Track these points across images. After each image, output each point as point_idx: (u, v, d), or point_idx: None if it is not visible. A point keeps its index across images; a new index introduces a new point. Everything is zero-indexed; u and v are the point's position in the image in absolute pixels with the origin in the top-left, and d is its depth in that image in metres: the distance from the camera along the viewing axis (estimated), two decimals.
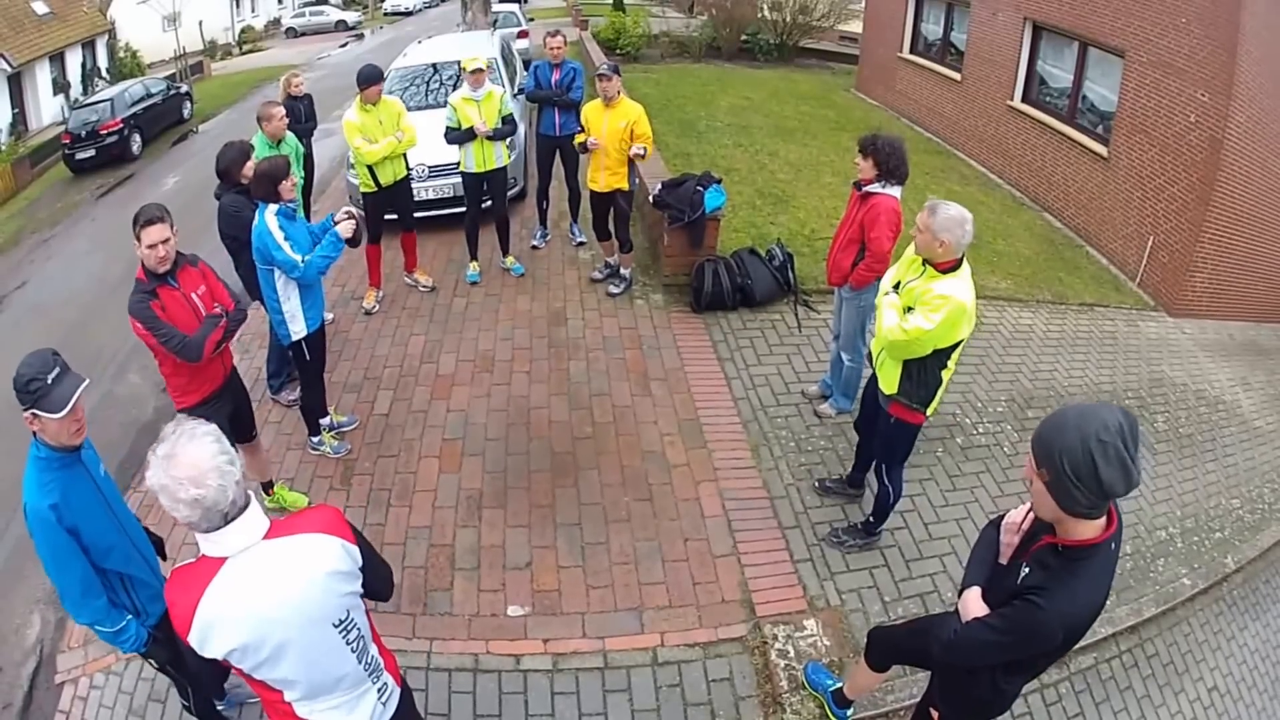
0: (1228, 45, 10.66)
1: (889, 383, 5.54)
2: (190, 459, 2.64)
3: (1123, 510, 3.19)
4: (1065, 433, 2.91)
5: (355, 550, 2.94)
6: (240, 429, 6.21)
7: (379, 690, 3.25)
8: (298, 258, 6.29)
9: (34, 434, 3.86)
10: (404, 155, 9.29)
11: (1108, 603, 3.33)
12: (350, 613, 2.99)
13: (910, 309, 5.20)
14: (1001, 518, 3.60)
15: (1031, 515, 3.37)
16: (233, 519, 2.72)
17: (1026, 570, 3.25)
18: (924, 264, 5.21)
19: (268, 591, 2.76)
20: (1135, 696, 6.03)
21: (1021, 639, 3.22)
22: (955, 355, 5.34)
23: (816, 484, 6.99)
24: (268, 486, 6.76)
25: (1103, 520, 3.08)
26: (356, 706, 3.19)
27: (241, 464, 2.78)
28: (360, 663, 3.11)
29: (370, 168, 9.04)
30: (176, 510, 2.63)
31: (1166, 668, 6.35)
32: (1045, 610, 3.09)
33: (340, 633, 2.97)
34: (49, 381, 3.74)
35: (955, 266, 5.11)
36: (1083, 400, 8.50)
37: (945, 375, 5.41)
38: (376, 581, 3.19)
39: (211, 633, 2.75)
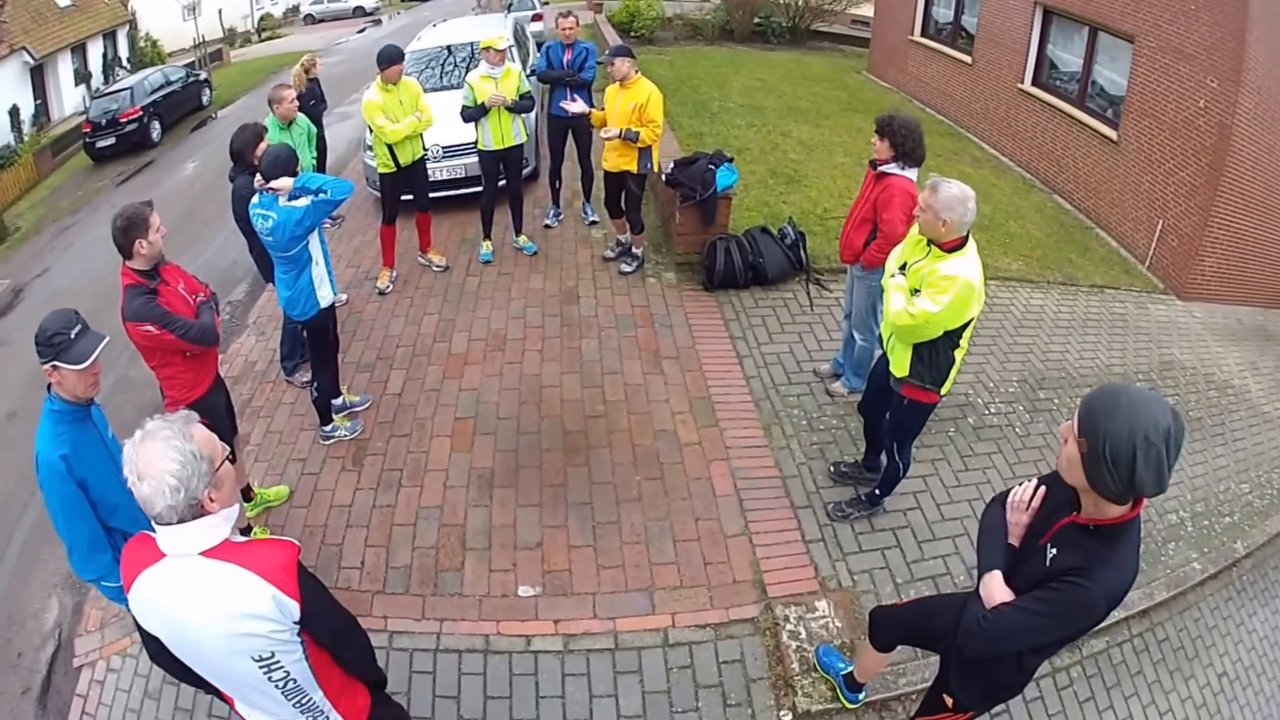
0: (1236, 31, 10.59)
1: (900, 365, 5.45)
2: (147, 454, 2.69)
3: None
4: (1116, 417, 2.84)
5: (291, 606, 2.85)
6: (230, 420, 6.27)
7: None
8: (325, 194, 6.28)
9: (49, 388, 4.01)
10: (421, 136, 9.30)
11: None
12: (276, 654, 2.92)
13: (917, 291, 5.10)
14: (1005, 494, 3.55)
15: (1043, 492, 3.34)
16: (165, 526, 2.74)
17: (1054, 551, 3.21)
18: (929, 244, 5.11)
19: (178, 605, 2.80)
20: (1146, 681, 6.00)
21: (1066, 619, 3.19)
22: (967, 335, 5.21)
23: (831, 469, 6.93)
24: (246, 492, 6.65)
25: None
26: None
27: (199, 489, 2.73)
28: (291, 702, 3.09)
29: (390, 148, 9.06)
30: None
31: (1177, 653, 6.31)
32: (1091, 589, 3.05)
33: (261, 669, 2.94)
34: (71, 336, 3.94)
35: (960, 245, 5.00)
36: (1095, 383, 8.47)
37: (958, 355, 5.31)
38: (332, 643, 3.14)
39: (140, 610, 2.87)
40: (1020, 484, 3.51)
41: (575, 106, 9.08)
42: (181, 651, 2.91)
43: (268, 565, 2.83)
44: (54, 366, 3.90)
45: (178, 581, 2.78)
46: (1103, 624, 5.88)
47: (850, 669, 5.16)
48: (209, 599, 2.77)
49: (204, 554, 2.77)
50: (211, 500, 2.77)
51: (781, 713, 5.22)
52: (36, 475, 4.01)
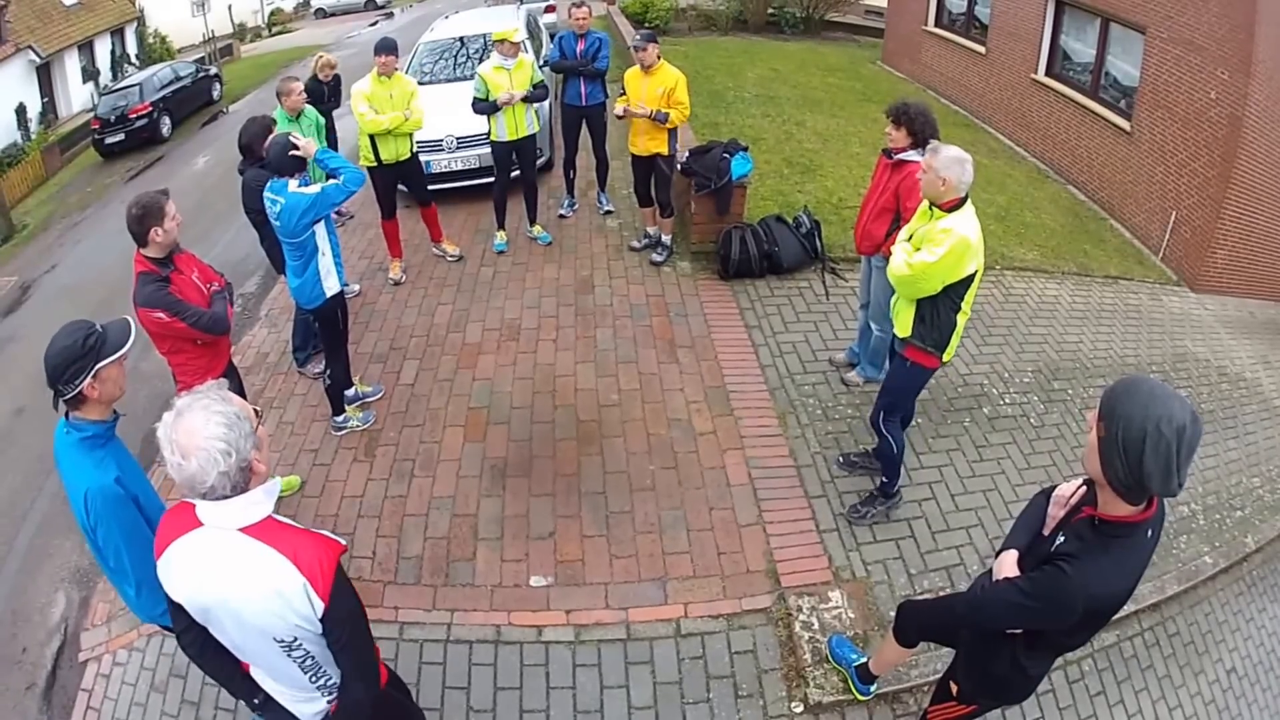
0: (1245, 23, 10.56)
1: (903, 326, 5.54)
2: (188, 426, 2.63)
3: None
4: (1133, 402, 2.87)
5: (318, 603, 2.81)
6: None
7: (328, 701, 3.23)
8: (338, 180, 6.42)
9: (65, 419, 3.78)
10: (410, 136, 9.19)
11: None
12: (300, 640, 2.93)
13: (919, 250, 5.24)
14: (1053, 488, 3.56)
15: (1081, 491, 3.33)
16: (211, 500, 2.72)
17: (1061, 539, 3.24)
18: (930, 208, 5.28)
19: (212, 578, 2.79)
20: (1156, 676, 5.95)
21: (1043, 605, 3.20)
22: (968, 297, 5.33)
23: (840, 459, 6.88)
24: None
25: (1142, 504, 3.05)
26: (299, 702, 3.23)
27: (248, 449, 2.72)
28: (308, 676, 3.10)
29: (373, 142, 9.01)
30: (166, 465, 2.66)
31: (1187, 647, 6.27)
32: (1069, 578, 3.07)
33: (283, 649, 2.95)
34: (100, 329, 3.73)
35: (958, 206, 5.15)
36: (1109, 375, 8.43)
37: (960, 319, 5.40)
38: (337, 653, 3.03)
39: (170, 576, 2.85)
40: (1044, 476, 3.53)
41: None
42: (208, 616, 2.90)
43: (305, 556, 2.80)
44: (94, 376, 3.64)
45: (211, 552, 2.77)
46: (1115, 618, 5.87)
47: (863, 660, 5.14)
48: (240, 574, 2.76)
49: (244, 530, 2.76)
50: (258, 461, 2.76)
51: (793, 704, 5.20)
52: (87, 518, 3.72)
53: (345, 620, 2.95)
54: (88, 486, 3.66)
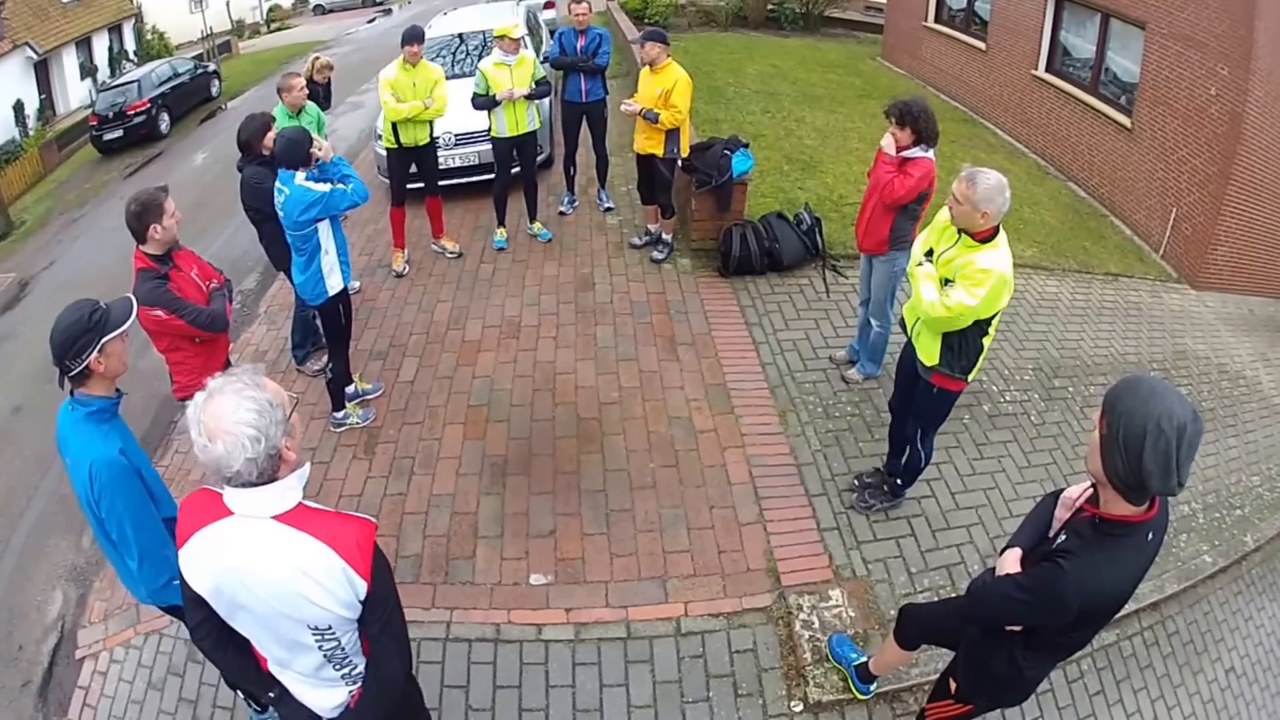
0: (1245, 19, 10.53)
1: (929, 355, 5.38)
2: (217, 410, 2.59)
3: None
4: (1135, 399, 2.87)
5: (360, 584, 2.80)
6: None
7: (350, 691, 3.21)
8: (347, 186, 6.45)
9: (71, 396, 3.84)
10: (429, 123, 9.29)
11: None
12: (334, 628, 2.91)
13: (948, 281, 5.04)
14: (1062, 491, 3.56)
15: (1089, 493, 3.32)
16: (237, 486, 2.68)
17: (1062, 538, 3.26)
18: (959, 232, 5.00)
19: (242, 562, 2.74)
20: (1155, 675, 5.94)
21: (1038, 600, 3.20)
22: (995, 322, 5.18)
23: (855, 481, 6.70)
24: None
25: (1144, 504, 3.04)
26: (321, 690, 3.20)
27: (278, 437, 2.68)
28: (332, 664, 3.07)
29: (394, 126, 9.11)
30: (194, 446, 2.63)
31: (1186, 647, 6.25)
32: (1065, 574, 3.07)
33: (315, 638, 2.92)
34: (104, 306, 3.82)
35: (993, 235, 4.90)
36: (1110, 372, 8.44)
37: (986, 342, 5.26)
38: (379, 632, 3.01)
39: (193, 566, 2.79)
40: (1045, 474, 3.52)
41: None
42: (234, 607, 2.85)
43: (342, 539, 2.78)
44: (100, 350, 3.73)
45: (246, 539, 2.72)
46: (1115, 616, 5.86)
47: (863, 659, 5.13)
48: (277, 561, 2.72)
49: (277, 518, 2.73)
50: (288, 449, 2.72)
51: (793, 703, 5.19)
52: (90, 490, 3.76)
53: (385, 599, 2.94)
54: (93, 457, 3.73)
